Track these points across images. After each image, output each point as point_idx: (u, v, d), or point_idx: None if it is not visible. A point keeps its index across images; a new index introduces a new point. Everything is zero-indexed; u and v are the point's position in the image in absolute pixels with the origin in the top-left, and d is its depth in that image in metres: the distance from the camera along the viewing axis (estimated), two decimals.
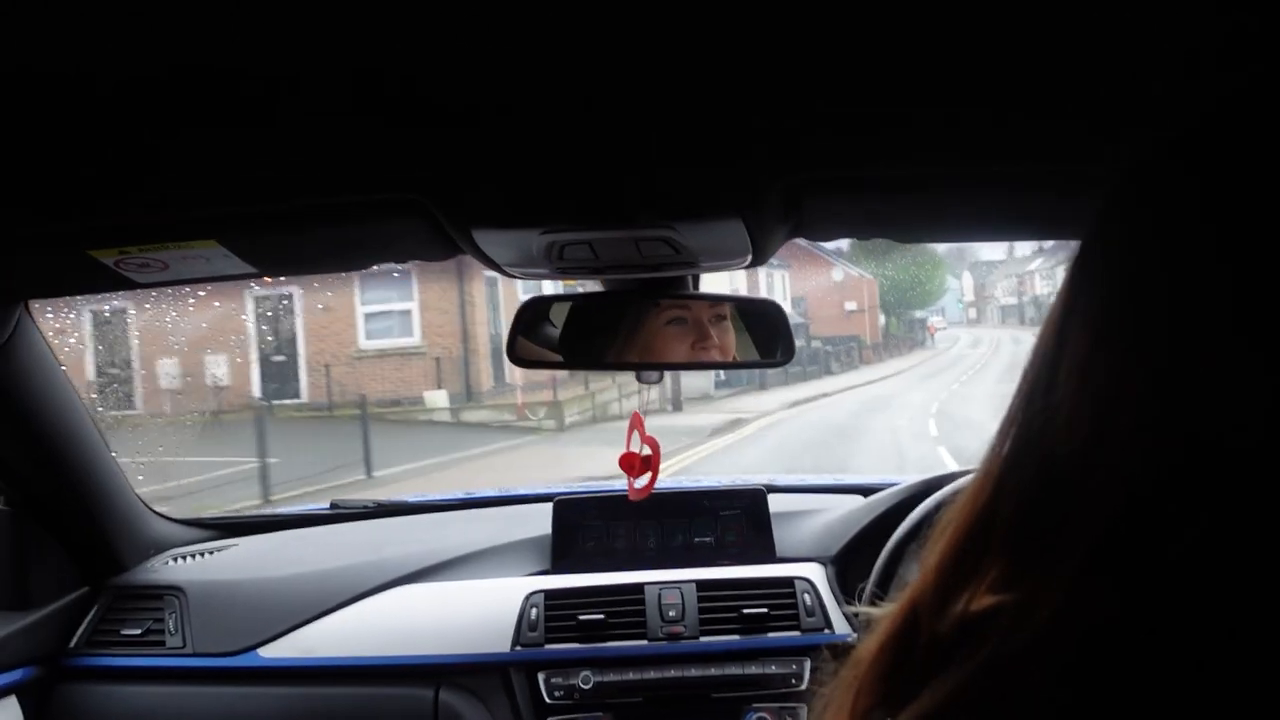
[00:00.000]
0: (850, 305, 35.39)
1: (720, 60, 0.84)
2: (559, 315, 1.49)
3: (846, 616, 1.89)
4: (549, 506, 2.11)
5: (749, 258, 1.23)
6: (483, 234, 1.10)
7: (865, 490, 2.20)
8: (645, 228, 1.08)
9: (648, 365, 1.53)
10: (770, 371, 15.95)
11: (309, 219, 1.12)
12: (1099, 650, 0.45)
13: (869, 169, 1.03)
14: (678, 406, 17.68)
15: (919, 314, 47.86)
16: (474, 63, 0.84)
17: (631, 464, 1.85)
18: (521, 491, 2.54)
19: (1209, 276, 0.46)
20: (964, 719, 0.49)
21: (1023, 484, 0.52)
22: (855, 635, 1.79)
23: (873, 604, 1.56)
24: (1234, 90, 0.49)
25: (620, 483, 2.25)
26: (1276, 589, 0.42)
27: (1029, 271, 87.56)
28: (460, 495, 2.53)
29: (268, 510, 2.58)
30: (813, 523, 2.11)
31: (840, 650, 0.60)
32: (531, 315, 1.46)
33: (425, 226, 1.10)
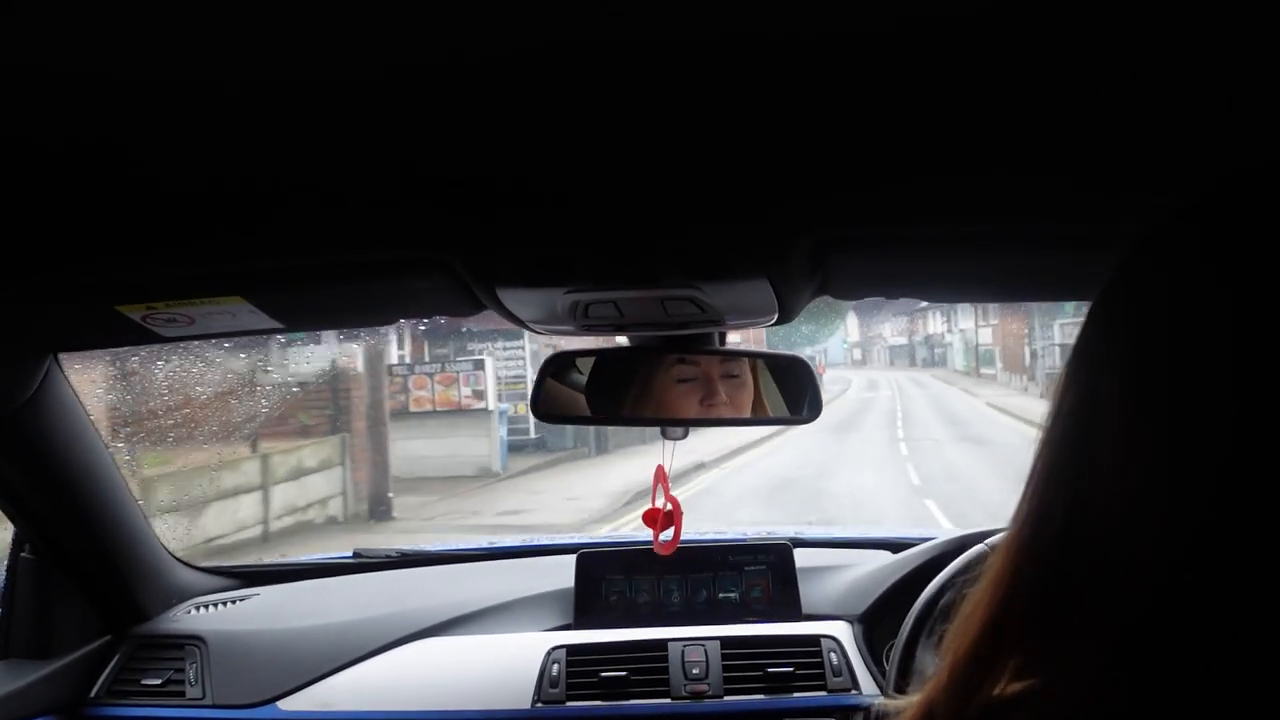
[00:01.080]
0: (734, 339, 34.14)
1: (744, 122, 0.84)
2: (579, 370, 1.49)
3: (874, 677, 1.85)
4: (572, 558, 2.09)
5: (775, 315, 1.22)
6: (508, 293, 1.10)
7: (895, 545, 2.16)
8: (671, 288, 1.07)
9: (664, 421, 1.53)
10: (609, 434, 15.35)
11: (335, 275, 1.12)
12: None
13: (894, 228, 1.02)
14: None
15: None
16: (500, 133, 0.84)
17: (655, 519, 1.83)
18: (545, 542, 2.53)
19: (1225, 345, 0.45)
20: None
21: (1048, 567, 0.50)
22: (881, 698, 1.76)
23: (901, 669, 1.52)
24: (1246, 162, 0.48)
25: (644, 537, 2.24)
26: None
27: (920, 310, 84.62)
28: (484, 545, 2.52)
29: (291, 559, 2.57)
30: (840, 579, 2.08)
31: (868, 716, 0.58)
32: (556, 369, 1.46)
33: (451, 284, 1.10)
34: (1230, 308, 0.45)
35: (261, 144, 0.87)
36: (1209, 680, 0.43)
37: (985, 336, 51.88)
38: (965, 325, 59.06)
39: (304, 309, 1.28)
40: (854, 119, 0.83)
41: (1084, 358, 0.52)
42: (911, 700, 0.55)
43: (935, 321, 79.09)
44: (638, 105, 0.81)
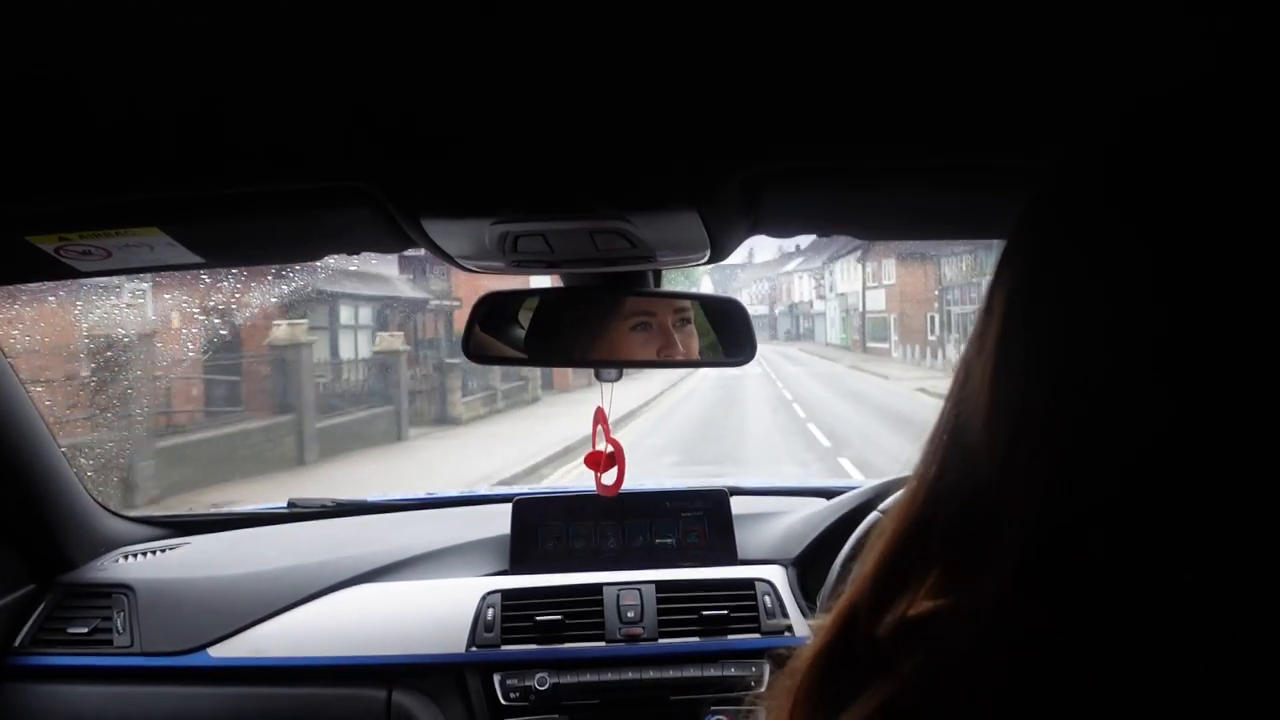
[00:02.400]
0: None
1: (674, 51, 0.83)
2: (518, 311, 1.48)
3: (807, 619, 1.88)
4: (509, 507, 2.09)
5: (707, 253, 1.21)
6: (433, 224, 1.07)
7: (829, 493, 2.19)
8: (600, 219, 1.06)
9: (614, 362, 1.52)
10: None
11: (253, 206, 1.09)
12: (1029, 657, 0.45)
13: (828, 161, 1.01)
14: None
15: None
16: (422, 58, 0.82)
17: (598, 461, 1.84)
18: (482, 492, 2.52)
19: (1124, 281, 0.45)
20: None
21: (952, 491, 0.51)
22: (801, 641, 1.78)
23: (829, 608, 1.54)
24: (1158, 94, 0.48)
25: (580, 486, 2.24)
26: (1188, 597, 0.43)
27: (785, 274, 75.93)
28: (420, 495, 2.50)
29: (223, 509, 2.53)
30: (775, 525, 2.10)
31: (782, 658, 0.59)
32: (488, 310, 1.44)
33: (375, 216, 1.08)
34: (1132, 254, 0.45)
35: (173, 65, 0.84)
36: (1098, 603, 0.45)
37: (876, 301, 44.40)
38: (847, 288, 50.89)
39: (224, 242, 1.24)
40: (782, 46, 0.82)
41: (986, 299, 0.53)
42: (831, 614, 0.56)
43: (802, 287, 70.43)
44: (563, 32, 0.79)
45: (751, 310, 1.54)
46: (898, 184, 1.08)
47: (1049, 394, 0.47)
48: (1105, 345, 0.45)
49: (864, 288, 47.50)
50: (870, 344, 45.15)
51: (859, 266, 47.48)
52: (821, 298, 62.48)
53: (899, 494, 0.57)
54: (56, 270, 1.25)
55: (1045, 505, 0.46)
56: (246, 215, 1.12)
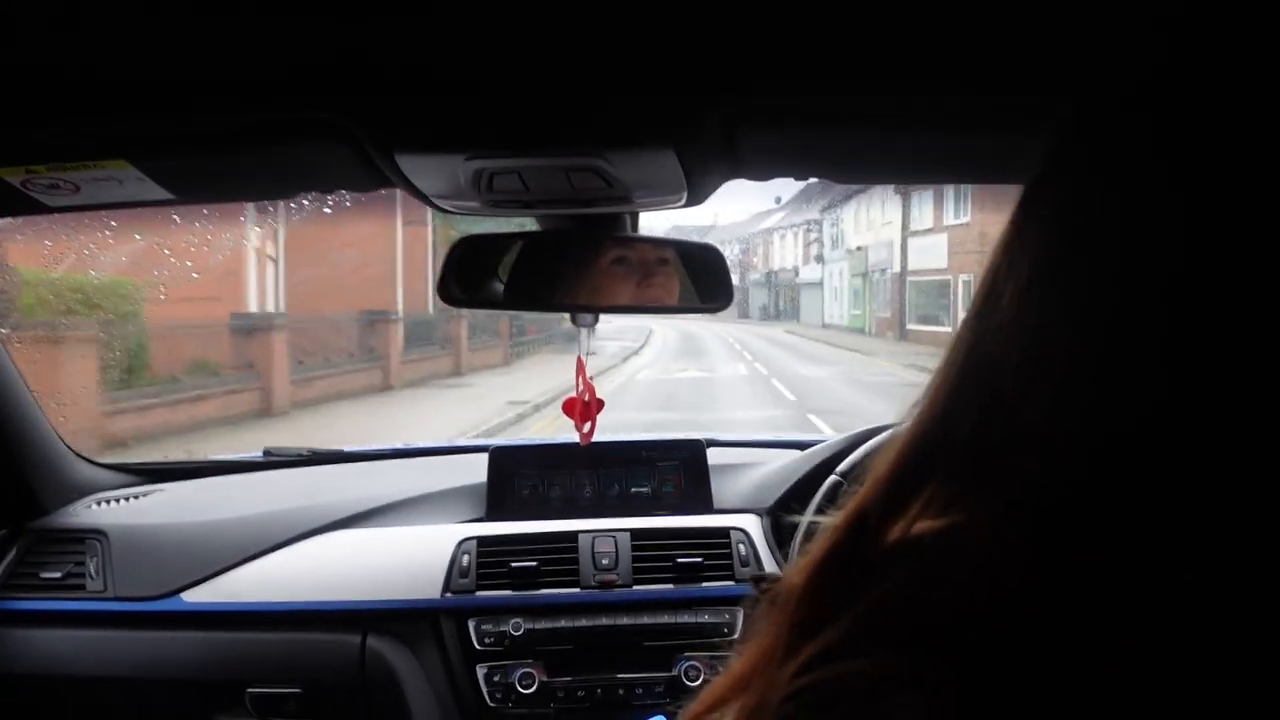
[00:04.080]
0: None
1: None
2: (496, 255, 1.47)
3: (781, 567, 1.90)
4: (486, 457, 2.09)
5: (684, 195, 1.20)
6: (407, 159, 1.06)
7: (804, 445, 2.20)
8: (575, 156, 1.05)
9: (593, 307, 1.52)
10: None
11: (223, 139, 1.07)
12: (1010, 594, 0.45)
13: (807, 98, 1.00)
14: None
15: None
16: None
17: (574, 409, 1.84)
18: (459, 443, 2.52)
19: (1155, 224, 0.45)
20: (872, 634, 0.48)
21: (964, 409, 0.51)
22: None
23: (807, 535, 1.52)
24: (1189, 33, 0.47)
25: (558, 438, 2.25)
26: (1184, 547, 0.43)
27: (760, 233, 57.43)
28: (397, 446, 2.50)
29: (198, 457, 2.52)
30: (750, 475, 2.11)
31: (764, 578, 0.59)
32: (463, 253, 1.44)
33: (348, 151, 1.06)
34: (1181, 213, 0.45)
35: None
36: (1089, 541, 0.45)
37: (926, 255, 26.99)
38: (869, 238, 34.13)
39: (195, 177, 1.22)
40: None
41: (998, 251, 0.52)
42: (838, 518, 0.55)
43: (785, 249, 52.65)
44: None
45: None
46: (891, 124, 1.06)
47: (1082, 321, 0.47)
48: (1131, 283, 0.45)
49: (904, 234, 29.44)
50: (915, 324, 28.38)
51: (898, 203, 29.00)
52: (818, 258, 45.52)
53: (874, 447, 0.57)
54: (23, 204, 1.23)
55: (1058, 433, 0.46)
56: (217, 149, 1.10)
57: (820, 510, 1.76)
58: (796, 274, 51.06)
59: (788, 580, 0.55)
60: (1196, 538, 0.43)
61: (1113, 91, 0.50)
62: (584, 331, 1.65)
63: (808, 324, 44.66)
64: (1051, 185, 0.51)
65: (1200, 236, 0.44)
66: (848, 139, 1.13)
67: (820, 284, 45.38)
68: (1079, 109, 0.51)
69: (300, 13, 0.87)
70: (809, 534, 1.72)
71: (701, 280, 1.50)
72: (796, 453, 2.15)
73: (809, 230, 47.53)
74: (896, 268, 30.70)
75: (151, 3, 0.85)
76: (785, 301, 54.07)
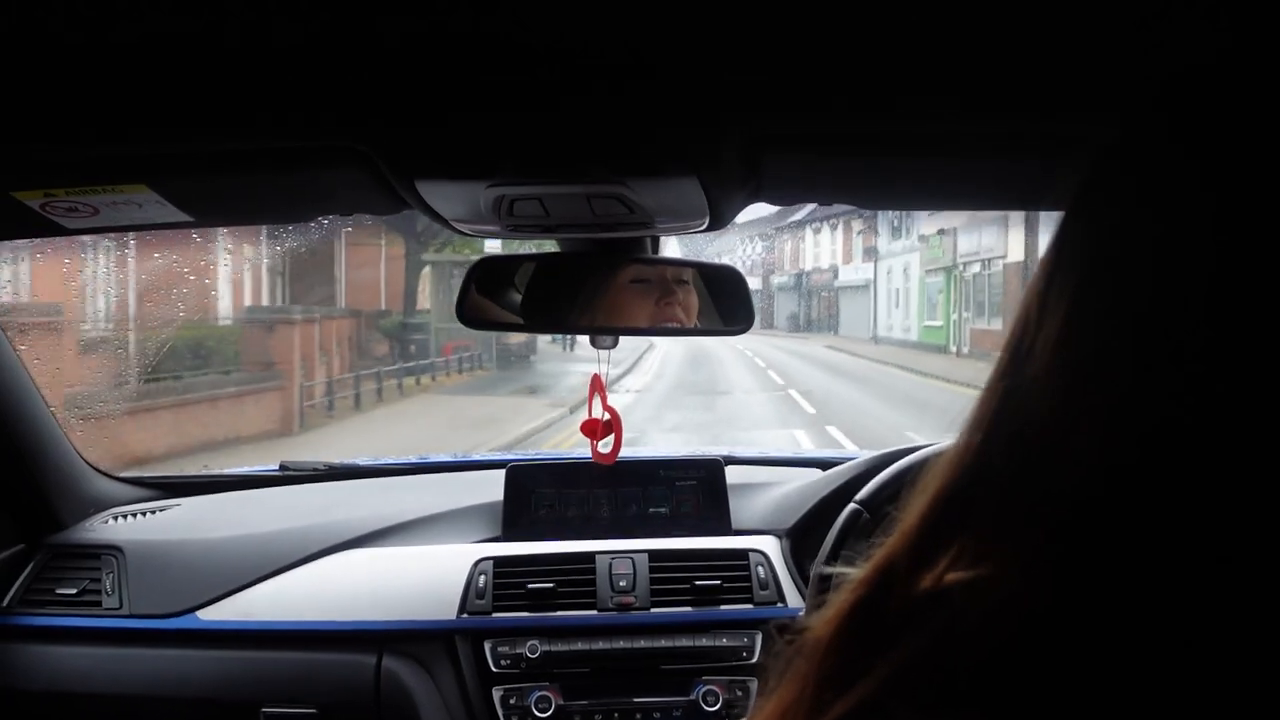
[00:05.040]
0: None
1: (675, 11, 0.80)
2: (515, 276, 1.46)
3: (800, 590, 1.88)
4: (502, 473, 2.07)
5: (706, 220, 1.19)
6: (427, 186, 1.05)
7: (825, 464, 2.17)
8: (597, 184, 1.03)
9: (612, 329, 1.50)
10: None
11: (244, 165, 1.06)
12: (1038, 639, 0.44)
13: (830, 124, 0.98)
14: None
15: None
16: (416, 17, 0.79)
17: (594, 429, 1.82)
18: (476, 457, 2.51)
19: (1197, 252, 0.44)
20: (901, 694, 0.47)
21: (997, 456, 0.50)
22: (807, 607, 1.78)
23: (821, 582, 1.52)
24: (1222, 54, 0.46)
25: (575, 453, 2.23)
26: (1227, 599, 0.42)
27: (788, 227, 43.76)
28: (413, 460, 2.49)
29: (214, 471, 2.51)
30: (769, 495, 2.09)
31: (788, 626, 0.57)
32: (483, 274, 1.42)
33: (368, 177, 1.05)
34: (1211, 212, 0.44)
35: (162, 17, 0.81)
36: (1116, 588, 0.44)
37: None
38: (945, 220, 24.19)
39: (214, 201, 1.21)
40: (781, 10, 0.79)
41: (1051, 251, 0.51)
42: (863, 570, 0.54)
43: (821, 247, 41.50)
44: None
45: None
46: (916, 150, 1.04)
47: (1126, 356, 0.45)
48: (1173, 303, 0.44)
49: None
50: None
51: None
52: (869, 253, 35.64)
53: (920, 457, 0.56)
54: (42, 227, 1.22)
55: (1095, 468, 0.45)
56: (237, 173, 1.10)
57: (838, 539, 1.73)
58: (835, 275, 40.49)
59: (813, 631, 0.54)
60: (1240, 590, 0.41)
61: (1159, 119, 0.48)
62: (603, 354, 1.63)
63: (851, 337, 34.82)
64: (1093, 212, 0.49)
65: (1245, 267, 0.43)
66: (872, 165, 1.11)
67: (867, 287, 35.59)
68: (1124, 137, 0.49)
69: (321, 40, 0.85)
70: (830, 580, 1.70)
71: (722, 301, 1.48)
72: (818, 472, 2.12)
73: (856, 218, 34.80)
74: (1011, 254, 20.98)
75: (171, 28, 0.84)
76: (820, 309, 43.62)
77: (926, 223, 27.69)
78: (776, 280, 48.19)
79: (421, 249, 18.69)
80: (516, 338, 17.51)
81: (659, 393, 16.33)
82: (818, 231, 42.55)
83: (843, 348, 29.70)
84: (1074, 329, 0.47)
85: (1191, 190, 0.45)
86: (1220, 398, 0.42)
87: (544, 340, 21.88)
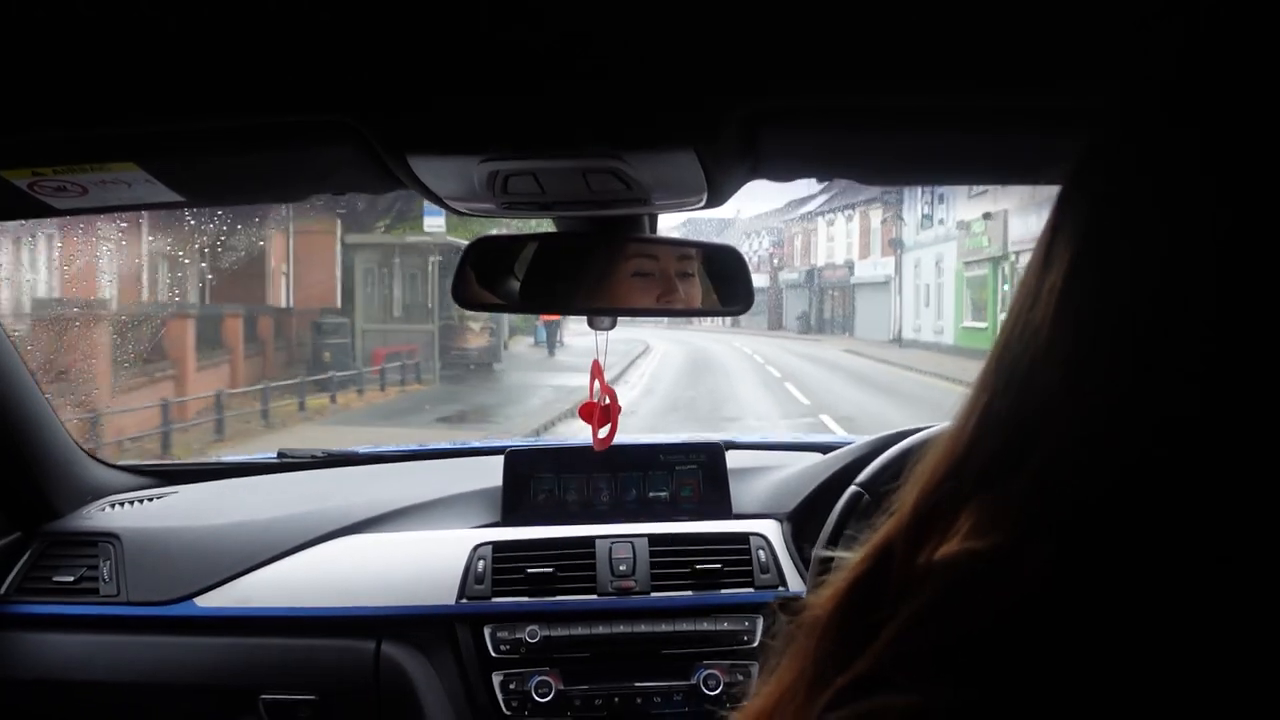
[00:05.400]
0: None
1: None
2: (511, 256, 1.44)
3: (801, 574, 1.87)
4: (501, 459, 2.06)
5: (704, 196, 1.17)
6: (419, 162, 1.03)
7: (825, 448, 2.16)
8: (592, 158, 1.02)
9: (611, 310, 1.50)
10: None
11: (233, 142, 1.05)
12: (1033, 607, 0.44)
13: (830, 98, 0.96)
14: None
15: None
16: None
17: (592, 414, 1.81)
18: (474, 444, 2.50)
19: (1200, 215, 0.43)
20: (902, 664, 0.46)
21: (999, 421, 0.49)
22: (808, 589, 1.77)
23: (821, 565, 1.52)
24: (1221, 23, 0.45)
25: (574, 439, 2.22)
26: (1232, 566, 0.41)
27: (798, 219, 41.44)
28: (412, 447, 2.48)
29: (212, 458, 2.51)
30: (770, 479, 2.08)
31: (789, 605, 0.56)
32: (480, 254, 1.41)
33: (359, 153, 1.04)
34: (1230, 214, 0.43)
35: None
36: (1114, 553, 0.43)
37: None
38: (989, 203, 21.65)
39: (204, 180, 1.19)
40: None
41: (1034, 255, 0.51)
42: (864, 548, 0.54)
43: (835, 240, 37.91)
44: None
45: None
46: (916, 124, 1.02)
47: (1117, 322, 0.45)
48: (1173, 272, 0.43)
49: None
50: None
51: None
52: (893, 244, 31.74)
53: (919, 439, 0.55)
54: (31, 208, 1.21)
55: (1096, 448, 0.44)
56: (226, 152, 1.08)
57: (839, 521, 1.72)
58: (851, 271, 36.65)
59: (814, 609, 0.53)
60: (1244, 557, 0.41)
61: (1158, 90, 0.47)
62: (601, 337, 1.62)
63: (869, 339, 31.63)
64: (1093, 184, 0.49)
65: (1247, 238, 0.42)
66: (872, 139, 1.09)
67: (888, 283, 32.10)
68: (1124, 108, 0.48)
69: (310, 14, 0.84)
70: (830, 562, 1.69)
71: (721, 283, 1.47)
72: (818, 455, 2.11)
73: (879, 204, 31.61)
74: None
75: (159, 3, 0.82)
76: (834, 308, 39.66)
77: (966, 206, 23.71)
78: (786, 278, 44.39)
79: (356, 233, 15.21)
80: (477, 341, 15.48)
81: (643, 417, 12.72)
82: (831, 224, 38.69)
83: (865, 352, 26.66)
84: (1073, 300, 0.47)
85: (1191, 158, 0.44)
86: (1223, 366, 0.42)
87: (523, 344, 20.95)
